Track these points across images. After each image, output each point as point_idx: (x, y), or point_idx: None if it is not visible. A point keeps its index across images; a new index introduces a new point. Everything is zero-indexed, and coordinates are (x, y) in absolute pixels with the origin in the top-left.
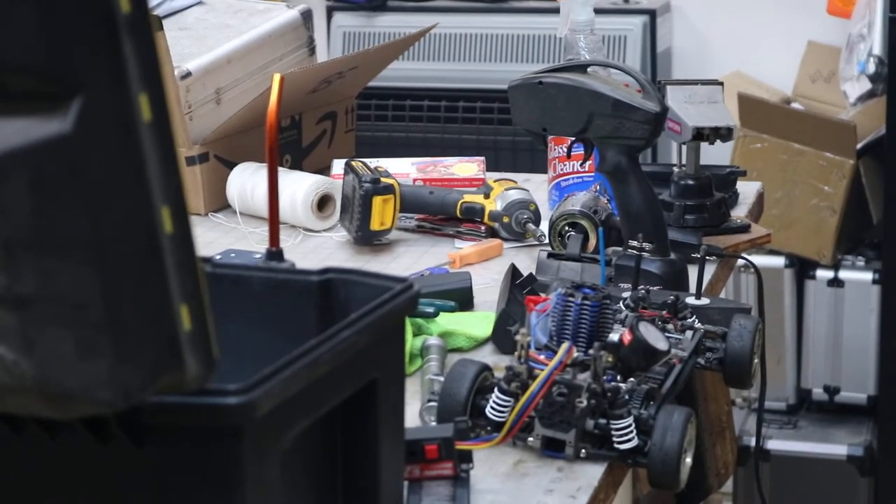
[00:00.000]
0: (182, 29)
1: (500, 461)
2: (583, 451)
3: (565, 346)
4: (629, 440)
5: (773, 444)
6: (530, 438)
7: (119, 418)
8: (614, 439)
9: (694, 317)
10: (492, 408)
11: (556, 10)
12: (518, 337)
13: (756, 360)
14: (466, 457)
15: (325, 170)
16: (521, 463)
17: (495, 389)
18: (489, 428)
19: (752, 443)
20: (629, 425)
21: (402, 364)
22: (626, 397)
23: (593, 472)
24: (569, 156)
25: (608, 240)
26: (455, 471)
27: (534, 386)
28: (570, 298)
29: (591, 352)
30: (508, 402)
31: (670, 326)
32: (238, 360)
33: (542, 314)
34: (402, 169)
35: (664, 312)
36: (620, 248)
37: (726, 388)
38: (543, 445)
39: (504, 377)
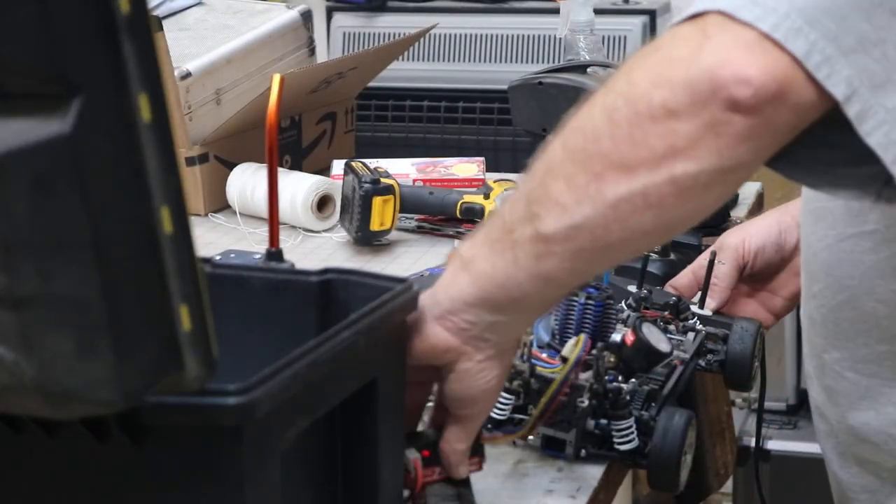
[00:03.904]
0: (182, 29)
1: (500, 461)
2: (583, 451)
3: (583, 337)
4: (630, 441)
5: (773, 445)
6: (530, 437)
7: (119, 418)
8: (615, 440)
9: (696, 318)
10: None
11: (556, 10)
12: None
13: (756, 363)
14: (480, 451)
15: (324, 170)
16: (521, 463)
17: None
18: (489, 426)
19: (752, 443)
20: (630, 426)
21: (402, 364)
22: (628, 398)
23: (593, 473)
24: None
25: None
26: (480, 465)
27: (562, 374)
28: (574, 297)
29: (594, 352)
30: (510, 399)
31: (672, 327)
32: (238, 360)
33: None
34: (402, 169)
35: (666, 313)
36: None
37: (726, 388)
38: (543, 444)
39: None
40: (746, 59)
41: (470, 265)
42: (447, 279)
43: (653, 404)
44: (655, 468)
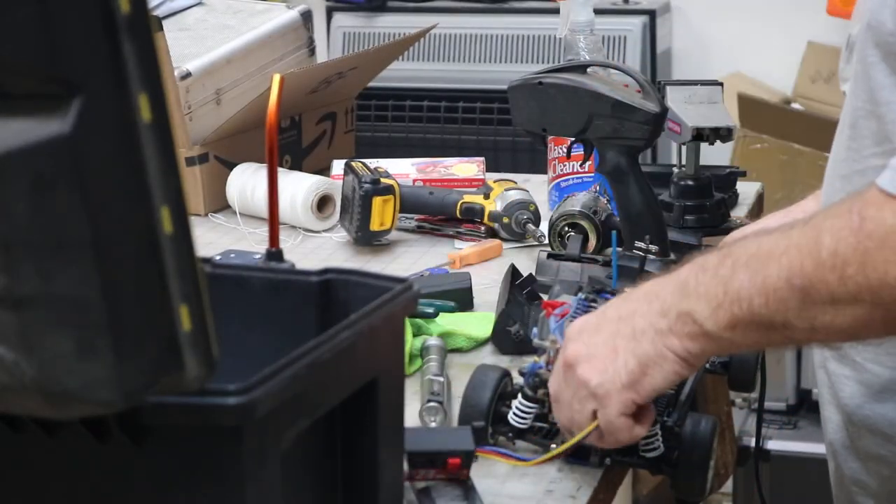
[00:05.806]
0: (182, 29)
1: (500, 461)
2: (607, 459)
3: None
4: (655, 449)
5: (773, 444)
6: (553, 445)
7: (119, 418)
8: (641, 448)
9: None
10: (515, 414)
11: (556, 11)
12: (547, 343)
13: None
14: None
15: (324, 170)
16: None
17: (518, 395)
18: (510, 434)
19: (752, 443)
20: (656, 434)
21: (402, 364)
22: (653, 405)
23: (593, 473)
24: (569, 156)
25: (608, 240)
26: (468, 475)
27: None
28: (593, 304)
29: None
30: (533, 408)
31: None
32: (238, 360)
33: (561, 319)
34: (402, 169)
35: None
36: (620, 249)
37: (726, 388)
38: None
39: (530, 384)
40: None
41: None
42: None
43: (670, 409)
44: (684, 477)
